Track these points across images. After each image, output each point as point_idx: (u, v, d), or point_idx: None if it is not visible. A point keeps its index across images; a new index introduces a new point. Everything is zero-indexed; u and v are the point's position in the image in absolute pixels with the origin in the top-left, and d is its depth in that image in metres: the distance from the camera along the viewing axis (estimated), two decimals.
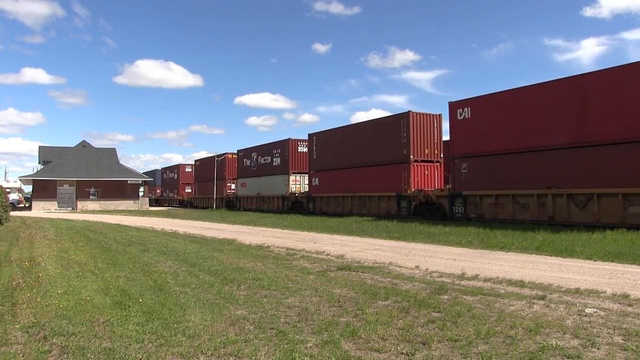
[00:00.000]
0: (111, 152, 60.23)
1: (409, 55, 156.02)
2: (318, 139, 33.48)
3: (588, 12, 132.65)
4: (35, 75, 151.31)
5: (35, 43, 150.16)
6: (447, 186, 23.55)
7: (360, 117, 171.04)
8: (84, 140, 56.77)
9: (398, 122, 25.98)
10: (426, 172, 25.60)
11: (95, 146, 58.88)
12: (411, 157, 25.05)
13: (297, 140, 34.94)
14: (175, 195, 63.36)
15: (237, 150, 45.00)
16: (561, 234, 14.31)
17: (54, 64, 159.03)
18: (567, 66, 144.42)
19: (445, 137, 26.01)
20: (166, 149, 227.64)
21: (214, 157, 50.67)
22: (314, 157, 33.72)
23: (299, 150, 35.19)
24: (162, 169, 70.30)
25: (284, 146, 36.37)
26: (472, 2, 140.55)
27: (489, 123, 20.34)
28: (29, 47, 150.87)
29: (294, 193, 34.23)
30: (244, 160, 43.52)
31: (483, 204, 20.41)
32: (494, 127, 20.14)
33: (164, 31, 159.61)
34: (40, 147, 64.81)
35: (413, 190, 24.78)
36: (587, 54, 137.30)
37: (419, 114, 25.72)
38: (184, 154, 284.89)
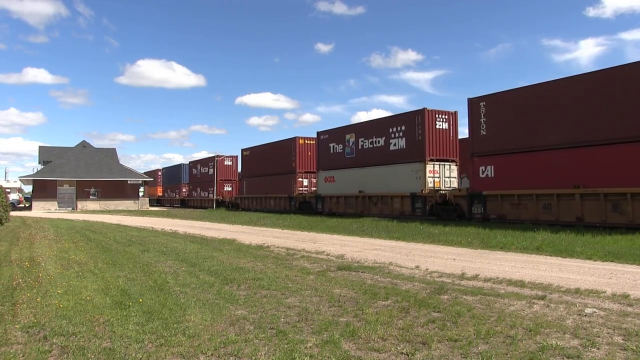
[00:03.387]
0: (111, 152, 60.30)
1: (411, 56, 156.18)
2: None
3: (591, 12, 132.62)
4: (37, 75, 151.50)
5: (39, 43, 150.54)
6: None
7: (362, 117, 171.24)
8: (84, 140, 56.74)
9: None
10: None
11: (96, 146, 58.90)
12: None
13: (436, 111, 24.61)
14: (211, 195, 51.87)
15: (318, 133, 33.00)
16: (561, 234, 14.31)
17: (56, 64, 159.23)
18: (566, 66, 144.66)
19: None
20: (167, 149, 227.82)
21: (276, 142, 38.73)
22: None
23: (437, 126, 24.53)
24: (190, 163, 59.49)
25: (415, 120, 24.73)
26: (472, 2, 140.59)
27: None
28: (31, 47, 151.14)
29: (438, 190, 23.61)
30: (330, 145, 31.26)
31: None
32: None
33: (167, 31, 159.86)
34: (40, 147, 64.88)
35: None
36: (586, 54, 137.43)
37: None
38: (185, 154, 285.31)
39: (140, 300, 6.59)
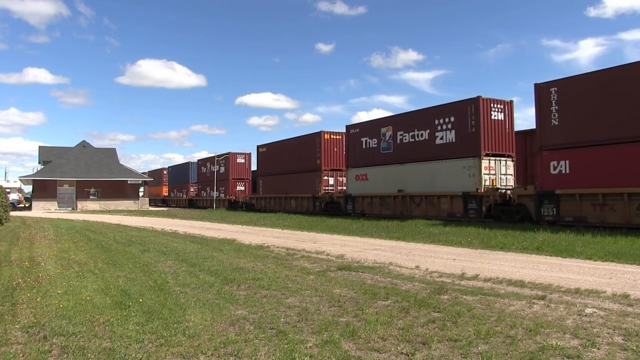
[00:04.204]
0: (111, 152, 60.27)
1: (411, 55, 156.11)
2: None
3: (592, 12, 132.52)
4: (37, 74, 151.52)
5: (40, 43, 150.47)
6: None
7: (362, 117, 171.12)
8: (84, 140, 56.73)
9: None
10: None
11: (97, 146, 58.89)
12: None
13: (491, 100, 21.91)
14: (222, 195, 48.84)
15: (347, 127, 29.89)
16: (561, 234, 14.31)
17: (57, 64, 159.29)
18: (566, 67, 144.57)
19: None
20: (167, 148, 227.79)
21: (298, 138, 35.75)
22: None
23: (492, 117, 21.85)
24: (199, 161, 56.54)
25: (467, 110, 21.98)
26: (473, 2, 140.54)
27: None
28: (32, 47, 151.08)
29: (497, 189, 20.88)
30: (363, 140, 28.25)
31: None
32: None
33: (168, 31, 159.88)
34: (40, 147, 64.83)
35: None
36: (585, 55, 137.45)
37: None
38: (185, 154, 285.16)
39: (140, 300, 6.59)
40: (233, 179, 47.61)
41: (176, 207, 60.04)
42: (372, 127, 27.84)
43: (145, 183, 58.99)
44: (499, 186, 21.16)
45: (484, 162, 21.21)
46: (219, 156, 49.74)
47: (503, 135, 21.94)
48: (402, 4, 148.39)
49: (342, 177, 32.00)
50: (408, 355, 4.40)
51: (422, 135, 24.36)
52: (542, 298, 6.53)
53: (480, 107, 21.36)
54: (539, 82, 18.16)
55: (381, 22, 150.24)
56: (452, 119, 22.68)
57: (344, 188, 30.99)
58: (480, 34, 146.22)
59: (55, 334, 5.12)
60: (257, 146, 41.29)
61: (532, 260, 10.40)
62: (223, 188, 48.58)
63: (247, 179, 47.83)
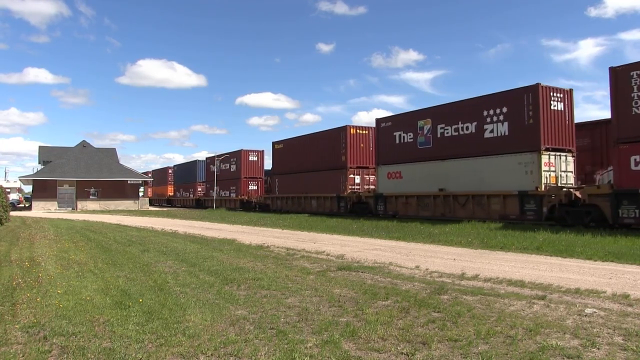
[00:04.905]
0: (111, 152, 60.26)
1: (412, 55, 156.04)
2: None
3: (593, 12, 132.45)
4: (38, 74, 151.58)
5: (40, 42, 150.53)
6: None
7: (362, 117, 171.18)
8: (84, 140, 56.83)
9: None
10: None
11: (97, 146, 59.00)
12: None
13: (551, 88, 19.55)
14: (233, 194, 46.04)
15: (377, 120, 27.57)
16: (561, 234, 14.31)
17: (57, 64, 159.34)
18: (565, 67, 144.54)
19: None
20: (167, 148, 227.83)
21: (319, 133, 33.53)
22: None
23: (552, 107, 19.47)
24: (207, 159, 53.57)
25: (523, 99, 19.65)
26: (473, 2, 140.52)
27: None
28: (33, 47, 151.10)
29: (562, 188, 18.42)
30: (396, 134, 25.88)
31: None
32: None
33: (169, 31, 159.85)
34: (40, 147, 64.81)
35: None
36: (585, 55, 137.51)
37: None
38: (185, 154, 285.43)
39: (140, 300, 6.59)
40: (245, 177, 44.74)
41: (182, 207, 57.26)
42: (407, 120, 25.26)
43: (145, 183, 58.98)
44: (560, 184, 18.90)
45: (544, 158, 18.77)
46: (229, 154, 47.52)
47: (563, 127, 19.55)
48: (402, 4, 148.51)
49: (368, 175, 29.84)
50: (408, 355, 4.40)
51: (467, 128, 21.82)
52: (542, 298, 6.53)
53: (539, 96, 18.96)
54: (615, 65, 16.24)
55: (382, 22, 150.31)
56: (505, 109, 20.25)
57: (372, 187, 28.83)
58: (480, 34, 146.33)
59: (55, 334, 5.12)
60: (273, 143, 38.81)
61: (532, 260, 10.40)
62: (234, 188, 45.77)
63: (260, 177, 45.01)
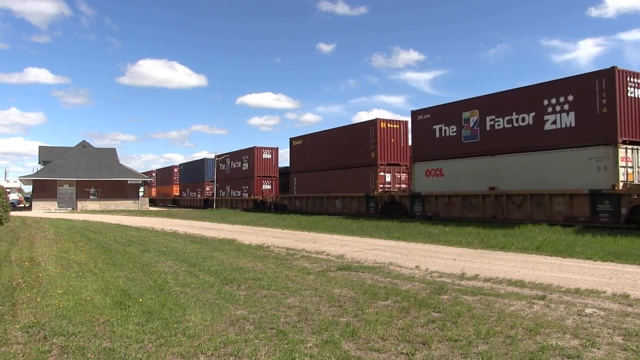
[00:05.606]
0: (111, 152, 60.28)
1: (413, 56, 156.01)
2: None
3: (594, 12, 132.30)
4: (39, 74, 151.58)
5: (41, 42, 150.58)
6: None
7: (362, 117, 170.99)
8: (84, 140, 56.81)
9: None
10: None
11: (97, 146, 58.99)
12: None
13: (629, 72, 16.97)
14: (245, 194, 43.21)
15: (413, 112, 24.73)
16: (561, 234, 14.31)
17: (58, 64, 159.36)
18: (565, 67, 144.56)
19: None
20: (167, 148, 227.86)
21: (345, 127, 31.20)
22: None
23: (629, 94, 16.90)
24: (217, 157, 50.22)
25: (594, 85, 17.14)
26: (473, 2, 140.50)
27: None
28: (34, 47, 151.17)
29: None
30: (435, 127, 23.47)
31: None
32: None
33: (169, 31, 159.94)
34: (40, 147, 64.80)
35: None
36: (585, 55, 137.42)
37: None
38: (185, 154, 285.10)
39: (140, 300, 6.59)
40: (259, 176, 41.80)
41: (189, 208, 54.46)
42: (449, 112, 22.76)
43: (145, 183, 58.92)
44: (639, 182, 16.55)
45: (621, 152, 16.31)
46: (240, 152, 45.05)
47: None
48: (403, 4, 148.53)
49: (400, 173, 27.65)
50: (408, 355, 4.40)
51: (523, 119, 19.28)
52: (542, 298, 6.53)
53: (615, 82, 16.50)
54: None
55: (382, 22, 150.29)
56: (570, 97, 17.83)
57: (403, 186, 27.12)
58: (480, 34, 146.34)
59: (55, 334, 5.12)
60: (291, 139, 36.20)
61: (532, 260, 10.40)
62: (246, 187, 43.05)
63: (275, 176, 42.21)
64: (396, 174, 27.64)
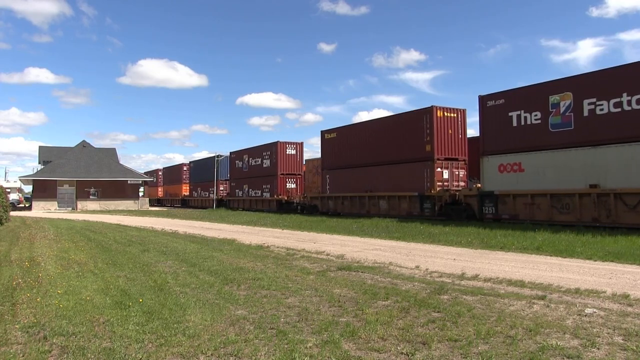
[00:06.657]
0: (111, 152, 60.29)
1: (413, 56, 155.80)
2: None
3: (594, 12, 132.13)
4: (39, 74, 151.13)
5: (42, 42, 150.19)
6: None
7: (363, 116, 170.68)
8: (84, 140, 56.70)
9: None
10: None
11: (97, 146, 58.92)
12: None
13: None
14: (267, 194, 38.90)
15: (481, 97, 20.80)
16: (561, 234, 14.31)
17: (59, 64, 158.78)
18: (565, 67, 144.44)
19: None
20: (168, 148, 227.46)
21: (391, 117, 27.68)
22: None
23: None
24: (232, 153, 45.94)
25: None
26: (473, 2, 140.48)
27: None
28: (35, 47, 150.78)
29: None
30: (512, 114, 19.51)
31: None
32: None
33: (170, 31, 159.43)
34: (40, 147, 64.93)
35: None
36: (584, 55, 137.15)
37: None
38: (186, 154, 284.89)
39: (140, 300, 6.60)
40: (282, 174, 37.25)
41: (201, 208, 50.15)
42: (530, 95, 18.99)
43: (145, 183, 58.92)
44: None
45: None
46: (260, 147, 40.59)
47: None
48: (404, 4, 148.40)
49: (458, 169, 23.90)
50: (408, 355, 4.40)
51: (630, 102, 15.73)
52: (542, 298, 6.53)
53: None
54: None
55: (383, 22, 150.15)
56: None
57: (462, 184, 23.74)
58: (480, 34, 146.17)
59: (55, 334, 5.12)
60: (322, 132, 32.03)
61: (532, 260, 10.40)
62: (268, 186, 38.58)
63: (299, 174, 37.54)
64: (454, 170, 23.83)
